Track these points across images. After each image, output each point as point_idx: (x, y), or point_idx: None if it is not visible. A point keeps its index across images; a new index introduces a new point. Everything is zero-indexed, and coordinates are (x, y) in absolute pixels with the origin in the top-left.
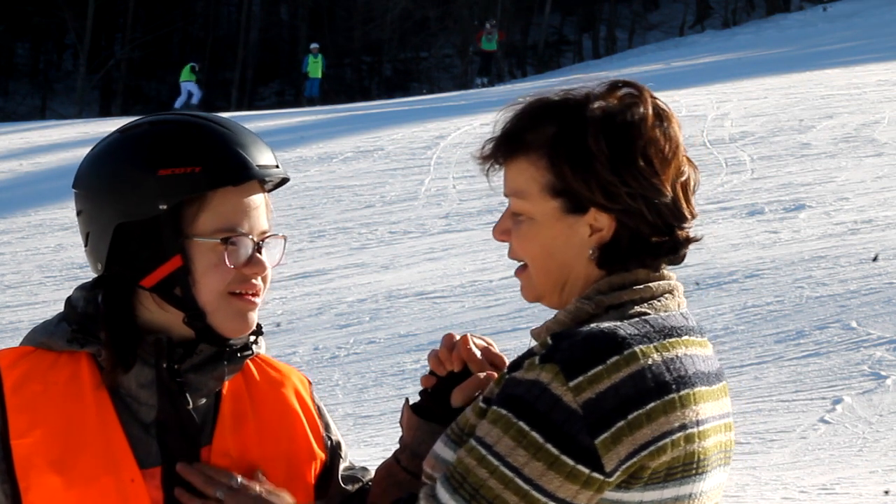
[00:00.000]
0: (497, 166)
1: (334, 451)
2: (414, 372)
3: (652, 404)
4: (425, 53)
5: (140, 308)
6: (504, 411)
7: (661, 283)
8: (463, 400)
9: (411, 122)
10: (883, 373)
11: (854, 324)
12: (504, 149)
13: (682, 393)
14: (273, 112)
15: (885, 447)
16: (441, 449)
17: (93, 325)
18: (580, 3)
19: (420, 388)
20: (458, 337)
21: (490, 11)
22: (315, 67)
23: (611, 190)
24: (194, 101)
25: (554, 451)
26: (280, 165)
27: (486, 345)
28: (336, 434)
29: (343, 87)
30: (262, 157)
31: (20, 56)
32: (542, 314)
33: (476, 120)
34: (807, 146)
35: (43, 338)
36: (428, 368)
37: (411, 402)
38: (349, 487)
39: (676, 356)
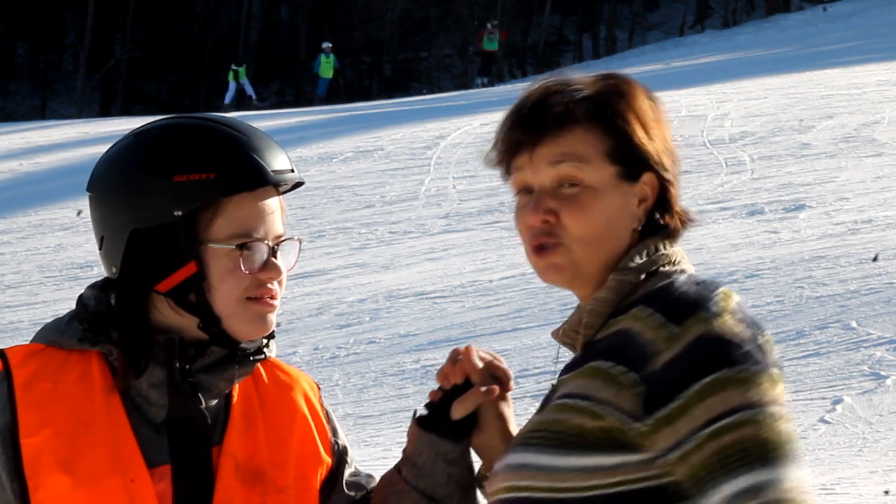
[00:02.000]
0: (529, 144)
1: (341, 457)
2: (414, 372)
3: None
4: (425, 53)
5: (153, 311)
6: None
7: (675, 248)
8: (463, 412)
9: (411, 122)
10: (883, 373)
11: (854, 324)
12: (547, 120)
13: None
14: (273, 112)
15: (885, 447)
16: (521, 457)
17: (104, 324)
18: (580, 3)
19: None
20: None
21: (490, 11)
22: (327, 68)
23: (665, 154)
24: (236, 96)
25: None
26: (295, 169)
27: (490, 358)
28: (343, 439)
29: (343, 87)
30: (277, 161)
31: (20, 56)
32: (542, 314)
33: (476, 120)
34: (807, 146)
35: (54, 336)
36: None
37: (418, 415)
38: (353, 494)
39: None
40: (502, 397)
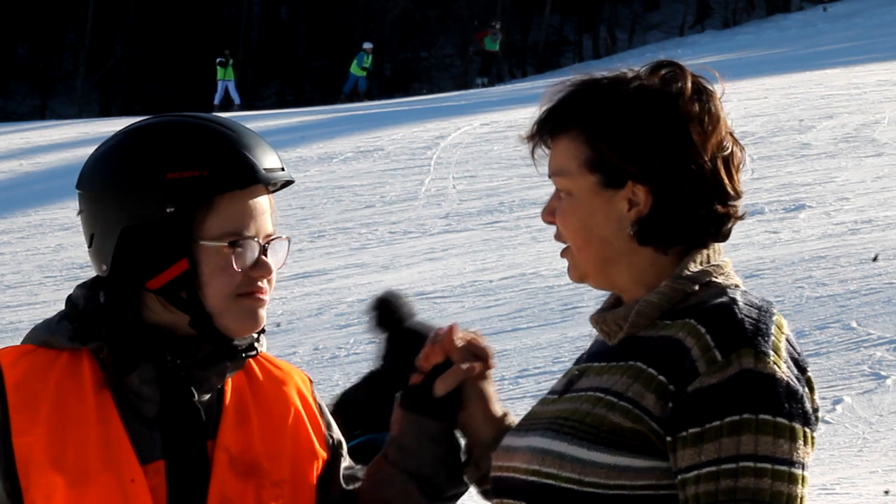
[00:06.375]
0: (543, 148)
1: (336, 450)
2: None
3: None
4: (425, 53)
5: (143, 308)
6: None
7: (724, 258)
8: (444, 388)
9: (411, 122)
10: (883, 373)
11: (854, 324)
12: (546, 129)
13: None
14: (273, 112)
15: (885, 447)
16: (548, 443)
17: (94, 322)
18: (580, 3)
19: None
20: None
21: (490, 11)
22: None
23: (645, 161)
24: (218, 99)
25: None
26: (285, 168)
27: (471, 336)
28: (337, 433)
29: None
30: (268, 160)
31: (20, 56)
32: (542, 314)
33: (476, 120)
34: (807, 146)
35: (45, 336)
36: None
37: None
38: (349, 487)
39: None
40: (483, 376)
